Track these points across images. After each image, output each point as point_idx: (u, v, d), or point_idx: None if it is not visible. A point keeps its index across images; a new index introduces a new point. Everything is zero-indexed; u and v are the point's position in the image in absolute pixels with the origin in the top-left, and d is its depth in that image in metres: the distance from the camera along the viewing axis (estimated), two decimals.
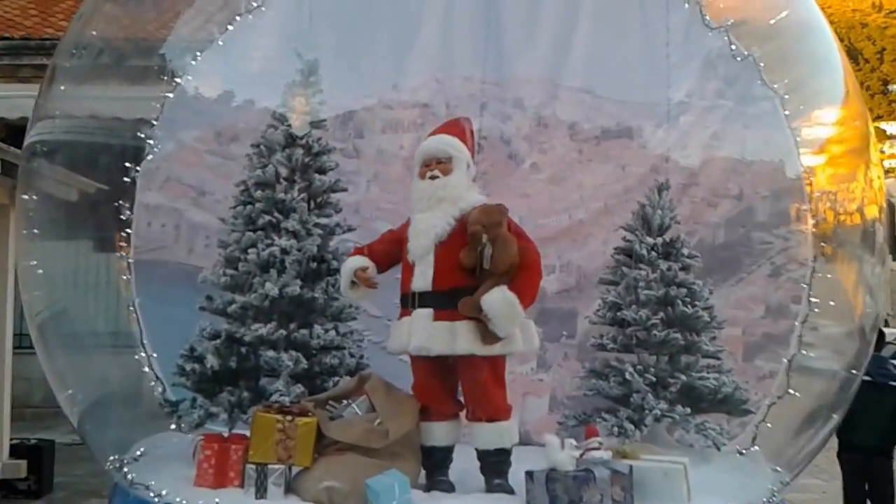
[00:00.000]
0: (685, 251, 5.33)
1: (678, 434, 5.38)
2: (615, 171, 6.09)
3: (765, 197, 5.89)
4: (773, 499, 4.68)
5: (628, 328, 5.27)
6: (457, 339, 4.34)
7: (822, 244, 5.58)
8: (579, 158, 6.14)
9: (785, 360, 5.73)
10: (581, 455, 4.15)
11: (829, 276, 5.53)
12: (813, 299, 5.67)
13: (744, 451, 5.50)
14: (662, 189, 5.41)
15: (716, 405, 5.29)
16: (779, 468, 5.12)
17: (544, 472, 4.06)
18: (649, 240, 5.32)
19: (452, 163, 4.63)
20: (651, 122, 6.01)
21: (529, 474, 4.12)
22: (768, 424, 5.69)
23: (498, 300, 4.26)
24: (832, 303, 5.69)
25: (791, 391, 5.64)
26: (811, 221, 5.59)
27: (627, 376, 5.16)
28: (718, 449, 5.20)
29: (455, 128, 4.81)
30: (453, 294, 4.37)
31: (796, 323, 5.73)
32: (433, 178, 4.59)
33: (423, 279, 4.46)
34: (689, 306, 5.20)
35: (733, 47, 5.80)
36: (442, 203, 4.54)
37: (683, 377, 5.18)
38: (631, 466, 4.18)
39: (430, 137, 4.80)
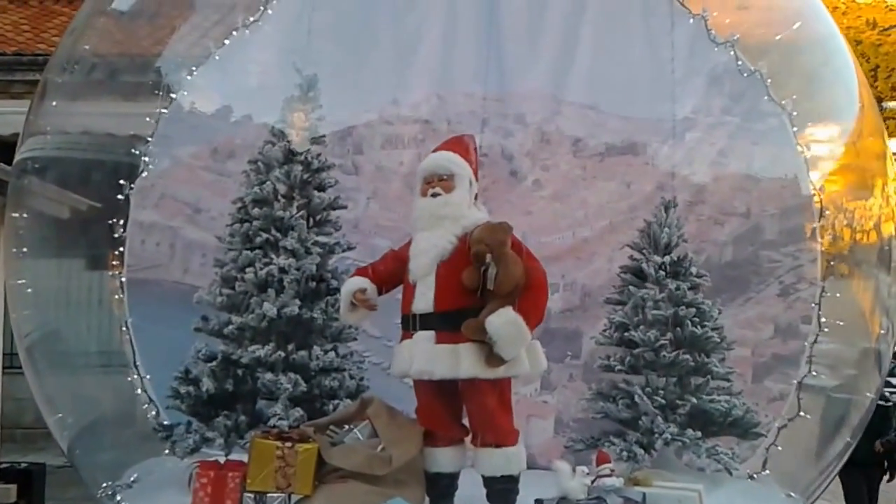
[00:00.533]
0: (693, 270, 5.18)
1: (687, 458, 5.22)
2: (620, 188, 5.92)
3: (773, 215, 5.73)
4: None
5: (636, 349, 5.10)
6: (460, 362, 4.17)
7: (837, 263, 5.39)
8: (583, 175, 5.98)
9: (795, 382, 5.57)
10: (592, 482, 3.97)
11: (839, 294, 5.35)
12: (823, 319, 5.51)
13: (755, 476, 5.32)
14: (670, 207, 5.26)
15: (726, 428, 5.13)
16: (793, 494, 4.94)
17: (555, 500, 3.89)
18: (657, 258, 5.16)
19: (454, 180, 4.46)
20: (656, 139, 5.85)
21: (539, 502, 3.94)
22: (779, 448, 5.53)
23: (503, 322, 4.08)
24: (840, 322, 5.50)
25: (802, 413, 5.47)
26: (826, 239, 5.41)
27: (636, 399, 4.99)
28: (730, 474, 5.03)
29: (458, 145, 4.65)
30: (456, 316, 4.20)
31: (806, 343, 5.57)
32: (434, 195, 4.42)
33: (424, 300, 4.29)
34: (698, 327, 5.05)
35: (739, 62, 5.66)
36: (443, 221, 4.37)
37: (694, 399, 5.02)
38: (644, 494, 4.00)
39: (431, 154, 4.64)
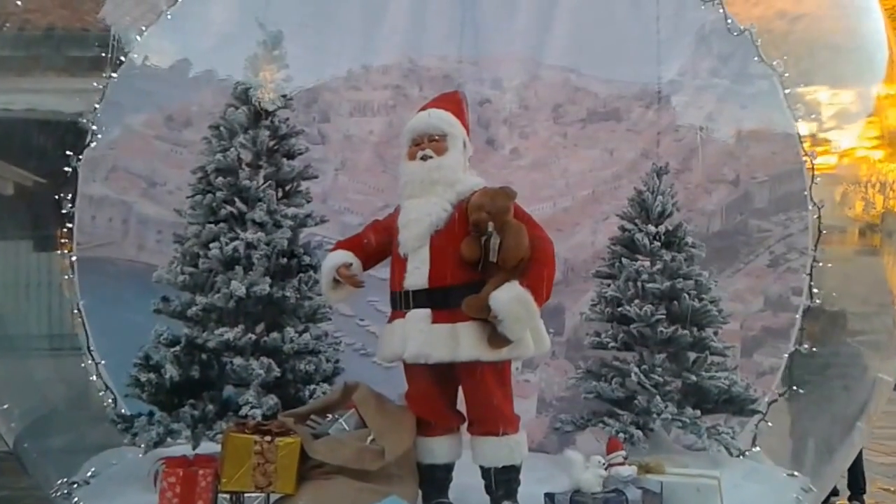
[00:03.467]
0: (689, 240, 4.73)
1: (674, 434, 4.83)
2: (602, 155, 5.48)
3: (763, 182, 5.33)
4: None
5: (631, 325, 4.65)
6: (459, 343, 3.65)
7: (870, 232, 4.98)
8: (564, 143, 5.53)
9: (785, 355, 5.19)
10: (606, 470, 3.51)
11: (867, 269, 4.94)
12: (815, 290, 5.13)
13: (746, 453, 4.92)
14: (662, 173, 4.80)
15: (722, 405, 4.71)
16: (796, 473, 4.56)
17: (567, 494, 3.43)
18: (650, 228, 4.70)
19: (447, 140, 3.90)
20: (640, 103, 5.41)
21: (550, 497, 3.48)
22: (769, 423, 5.16)
23: (509, 298, 3.56)
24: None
25: (795, 388, 5.10)
26: (859, 206, 5.00)
27: (633, 377, 4.54)
28: (730, 454, 4.62)
29: (450, 102, 4.09)
30: (454, 292, 3.67)
31: (797, 316, 5.19)
32: (425, 158, 3.85)
33: (417, 275, 3.74)
34: (696, 300, 4.60)
35: (729, 21, 5.22)
36: (436, 187, 3.82)
37: (693, 377, 4.58)
38: (661, 484, 3.55)
39: (420, 112, 4.06)
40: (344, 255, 3.95)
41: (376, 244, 3.99)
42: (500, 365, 3.78)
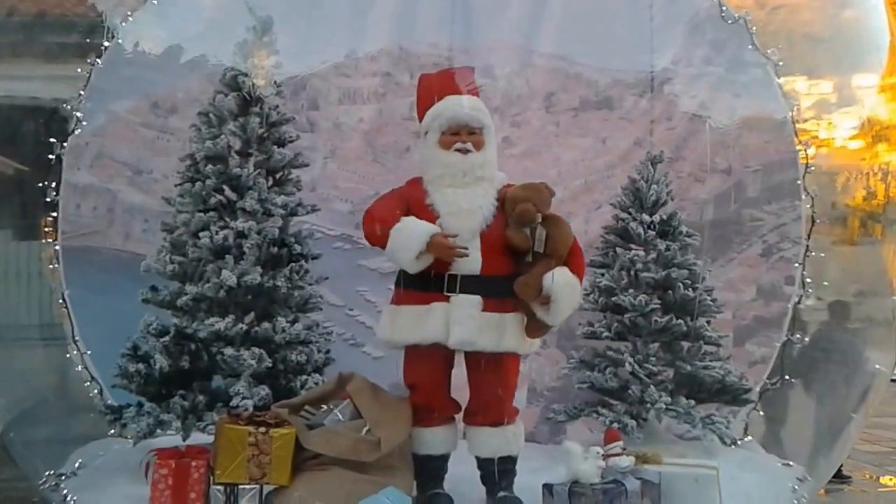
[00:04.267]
0: (683, 229, 4.70)
1: (666, 424, 4.80)
2: (595, 144, 5.42)
3: (756, 171, 5.30)
4: (802, 499, 4.09)
5: (624, 314, 4.61)
6: (504, 333, 3.69)
7: (871, 222, 4.95)
8: (556, 131, 5.46)
9: (777, 345, 5.18)
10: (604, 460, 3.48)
11: (869, 258, 4.92)
12: (807, 279, 5.12)
13: (738, 442, 4.90)
14: (656, 161, 4.76)
15: (715, 395, 4.69)
16: (791, 462, 4.55)
17: (566, 485, 3.38)
18: (645, 217, 4.66)
19: (484, 133, 3.88)
20: (634, 92, 5.36)
21: (548, 487, 3.44)
22: (760, 413, 5.16)
23: (564, 282, 3.65)
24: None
25: (787, 377, 5.09)
26: (861, 195, 4.97)
27: (626, 367, 4.51)
28: (724, 443, 4.60)
29: (474, 86, 4.03)
30: (504, 281, 3.70)
31: (789, 305, 5.18)
32: (465, 151, 3.80)
33: (468, 261, 3.69)
34: (690, 289, 4.57)
35: (723, 8, 5.17)
36: (482, 182, 3.82)
37: (687, 366, 4.56)
38: (660, 474, 3.53)
39: (455, 98, 3.91)
40: (428, 225, 3.70)
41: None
42: (518, 358, 3.86)
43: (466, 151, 3.79)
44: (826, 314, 5.40)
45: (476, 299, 3.68)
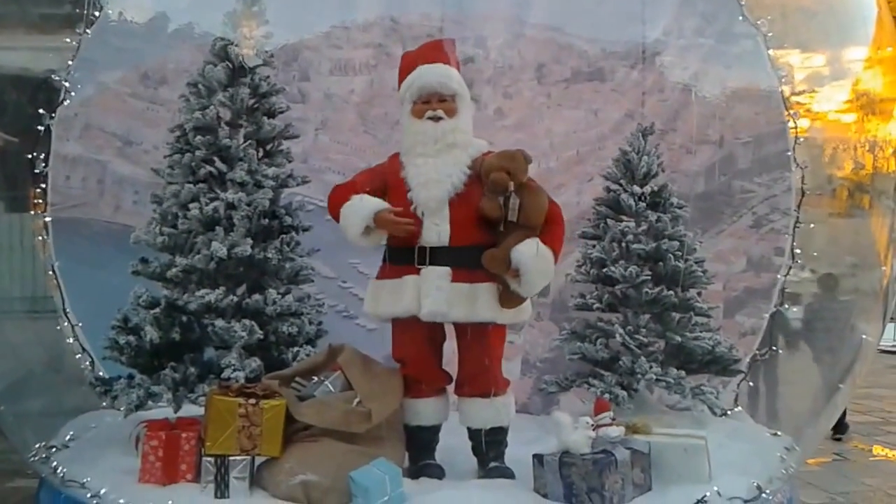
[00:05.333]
0: (674, 200, 4.66)
1: (657, 394, 4.81)
2: (587, 116, 5.39)
3: (746, 143, 5.27)
4: (790, 469, 4.10)
5: (615, 286, 4.59)
6: (477, 304, 3.63)
7: (859, 193, 4.93)
8: (548, 103, 5.42)
9: (766, 316, 5.18)
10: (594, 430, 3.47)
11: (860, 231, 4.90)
12: (797, 251, 5.10)
13: (728, 412, 4.91)
14: (647, 133, 4.71)
15: (706, 366, 4.68)
16: (779, 433, 4.55)
17: (556, 455, 3.36)
18: (636, 189, 4.62)
19: (457, 101, 3.81)
20: (625, 63, 5.31)
21: (539, 458, 3.43)
22: (750, 383, 5.17)
23: (533, 254, 3.54)
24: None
25: (775, 348, 5.09)
26: (849, 166, 4.94)
27: (618, 338, 4.49)
28: (714, 413, 4.60)
29: (451, 56, 3.95)
30: (474, 251, 3.63)
31: (779, 276, 5.16)
32: (436, 119, 3.75)
33: (436, 232, 3.66)
34: (681, 261, 4.54)
35: None
36: (452, 149, 3.74)
37: (678, 337, 4.55)
38: (649, 444, 3.52)
39: (428, 68, 3.86)
40: (377, 201, 3.73)
41: (372, 195, 3.83)
42: (502, 328, 3.79)
43: (438, 119, 3.74)
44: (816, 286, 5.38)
45: (444, 270, 3.64)
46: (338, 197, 3.82)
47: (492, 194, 3.63)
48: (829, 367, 5.10)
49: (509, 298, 3.65)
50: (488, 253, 3.60)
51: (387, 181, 3.79)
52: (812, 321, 5.11)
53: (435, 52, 3.97)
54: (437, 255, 3.65)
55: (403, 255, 3.72)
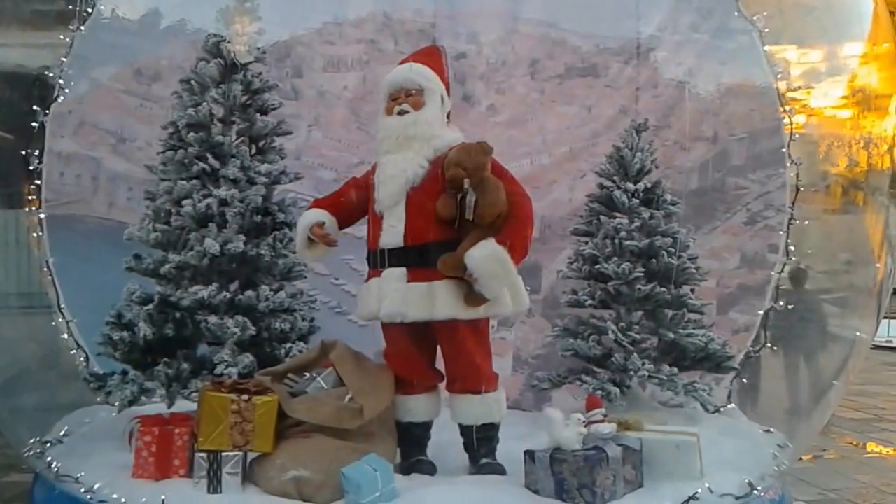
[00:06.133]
0: (667, 197, 4.67)
1: (649, 391, 4.82)
2: (580, 112, 5.39)
3: (741, 139, 5.27)
4: (782, 466, 4.11)
5: (608, 282, 4.61)
6: (435, 302, 3.60)
7: (853, 190, 4.93)
8: (541, 99, 5.42)
9: (760, 313, 5.18)
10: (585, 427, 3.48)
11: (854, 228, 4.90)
12: (791, 247, 5.11)
13: (721, 409, 4.92)
14: (641, 129, 4.73)
15: (698, 362, 4.69)
16: (772, 429, 4.57)
17: (548, 451, 3.38)
18: (629, 185, 4.64)
19: (424, 95, 3.81)
20: (619, 59, 5.31)
21: (530, 454, 3.44)
22: (744, 380, 5.17)
23: (484, 256, 3.50)
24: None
25: (770, 346, 5.10)
26: (843, 162, 4.94)
27: (610, 335, 4.51)
28: (707, 410, 4.62)
29: (429, 56, 3.99)
30: (430, 250, 3.62)
31: (773, 273, 5.17)
32: (402, 113, 3.77)
33: (393, 233, 3.67)
34: (674, 257, 4.56)
35: None
36: (412, 142, 3.72)
37: (670, 334, 4.56)
38: (641, 441, 3.53)
39: (398, 67, 3.96)
40: (317, 214, 3.88)
41: (356, 201, 3.91)
42: (478, 323, 3.75)
43: (403, 113, 3.76)
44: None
45: (400, 271, 3.64)
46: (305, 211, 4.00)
47: (449, 191, 3.58)
48: (808, 361, 5.10)
49: (474, 298, 3.58)
50: (442, 259, 3.56)
51: (368, 185, 3.84)
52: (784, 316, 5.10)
53: (412, 55, 4.04)
54: (394, 257, 3.67)
55: (370, 258, 3.80)
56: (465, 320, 3.66)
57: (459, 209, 3.58)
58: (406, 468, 3.72)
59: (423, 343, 3.80)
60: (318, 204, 3.98)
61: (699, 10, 5.21)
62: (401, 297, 3.62)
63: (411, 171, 3.68)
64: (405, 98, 3.79)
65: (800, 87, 5.05)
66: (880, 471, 6.81)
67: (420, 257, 3.63)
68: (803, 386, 5.18)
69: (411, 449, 3.81)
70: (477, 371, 3.75)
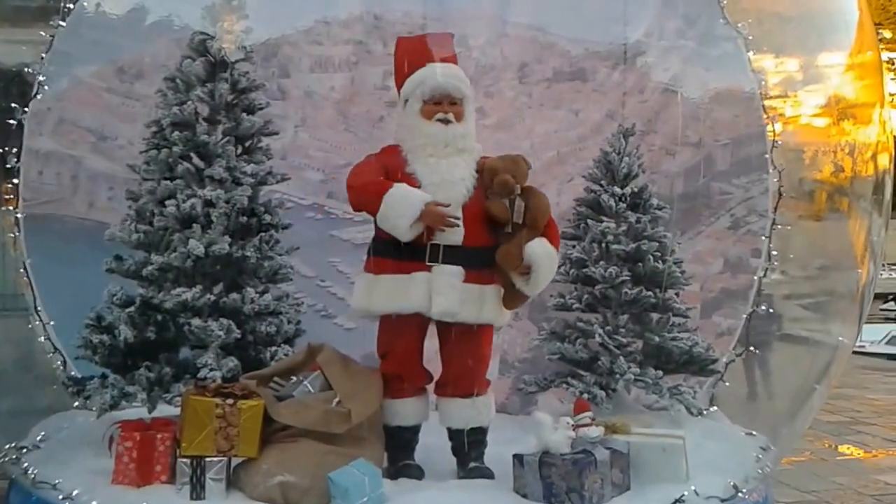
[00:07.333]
0: (654, 202, 4.66)
1: (634, 394, 4.79)
2: (568, 116, 5.33)
3: (725, 145, 5.26)
4: (766, 469, 4.10)
5: (595, 286, 4.58)
6: (483, 306, 3.67)
7: (838, 196, 4.93)
8: (529, 103, 5.35)
9: (744, 317, 5.18)
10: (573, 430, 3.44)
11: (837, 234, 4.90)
12: (773, 252, 5.11)
13: (704, 412, 4.90)
14: (628, 134, 4.70)
15: (683, 366, 4.67)
16: (754, 432, 4.56)
17: (536, 455, 3.33)
18: (616, 189, 4.61)
19: (464, 104, 3.82)
20: (606, 64, 5.28)
21: (519, 458, 3.39)
22: (726, 384, 5.16)
23: (545, 252, 3.67)
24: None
25: (752, 348, 5.10)
26: (828, 169, 4.95)
27: (597, 338, 4.48)
28: (691, 413, 4.60)
29: (453, 53, 3.96)
30: (485, 252, 3.68)
31: (755, 277, 5.17)
32: (446, 122, 3.74)
33: (453, 231, 3.63)
34: (660, 261, 4.54)
35: None
36: (463, 154, 3.77)
37: (656, 338, 4.54)
38: (628, 444, 3.50)
39: (440, 67, 3.82)
40: (422, 194, 3.63)
41: None
42: (492, 329, 3.83)
43: (447, 122, 3.73)
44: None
45: (458, 270, 3.63)
46: (373, 184, 3.67)
47: (497, 197, 3.70)
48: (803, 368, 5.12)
49: (513, 298, 3.75)
50: (503, 249, 3.65)
51: (388, 174, 3.72)
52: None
53: (442, 48, 3.95)
54: (450, 254, 3.63)
55: (412, 250, 3.66)
56: (485, 325, 3.73)
57: (510, 213, 3.72)
58: (394, 472, 3.65)
59: (421, 342, 3.79)
60: (386, 182, 3.66)
61: (685, 16, 5.19)
62: (458, 296, 3.61)
63: (469, 181, 3.73)
64: (449, 106, 3.76)
65: (784, 96, 5.04)
66: (857, 473, 6.84)
67: (477, 259, 3.66)
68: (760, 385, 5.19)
69: (399, 453, 3.74)
70: (473, 376, 3.74)
